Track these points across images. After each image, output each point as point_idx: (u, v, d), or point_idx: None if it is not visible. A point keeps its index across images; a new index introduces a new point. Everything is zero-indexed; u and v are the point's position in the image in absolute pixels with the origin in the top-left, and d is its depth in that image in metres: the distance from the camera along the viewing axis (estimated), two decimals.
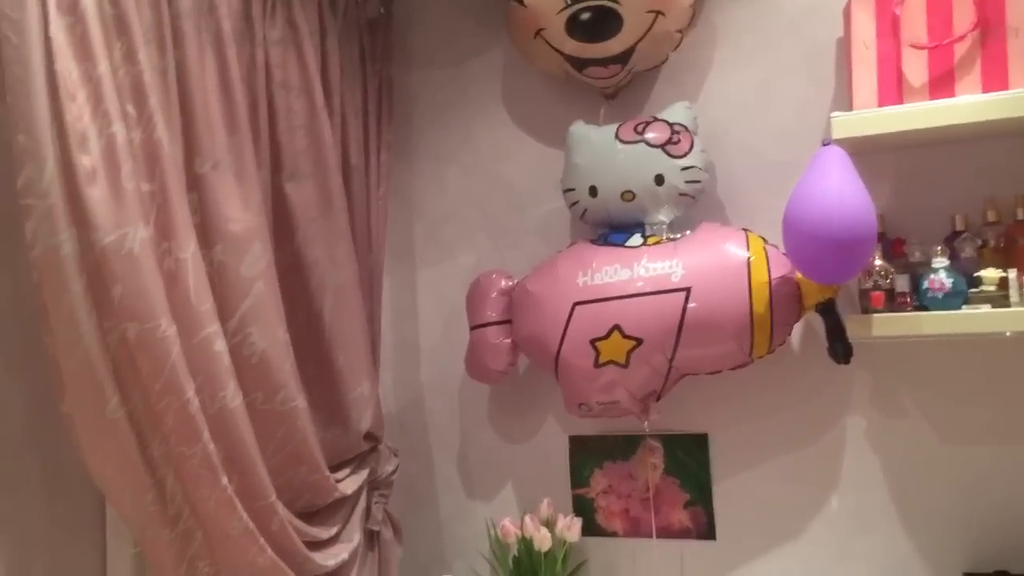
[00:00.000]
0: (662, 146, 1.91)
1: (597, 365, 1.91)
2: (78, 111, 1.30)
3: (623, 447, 2.13)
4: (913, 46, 1.71)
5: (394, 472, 2.06)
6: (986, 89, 1.67)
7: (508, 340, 2.06)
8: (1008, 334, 1.72)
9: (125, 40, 1.39)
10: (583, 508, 2.14)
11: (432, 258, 2.34)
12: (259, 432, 1.59)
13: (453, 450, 2.31)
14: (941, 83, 1.70)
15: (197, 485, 1.46)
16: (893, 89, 1.73)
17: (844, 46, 1.86)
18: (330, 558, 1.78)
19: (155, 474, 1.46)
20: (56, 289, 1.32)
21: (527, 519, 2.05)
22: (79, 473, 1.48)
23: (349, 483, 1.88)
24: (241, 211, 1.60)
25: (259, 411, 1.62)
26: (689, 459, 2.07)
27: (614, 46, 1.95)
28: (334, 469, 1.85)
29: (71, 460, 1.47)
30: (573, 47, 1.97)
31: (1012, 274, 1.65)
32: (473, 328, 2.10)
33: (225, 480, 1.48)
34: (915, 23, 1.72)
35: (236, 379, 1.52)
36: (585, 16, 1.92)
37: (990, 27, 1.67)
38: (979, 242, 1.75)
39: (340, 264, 1.88)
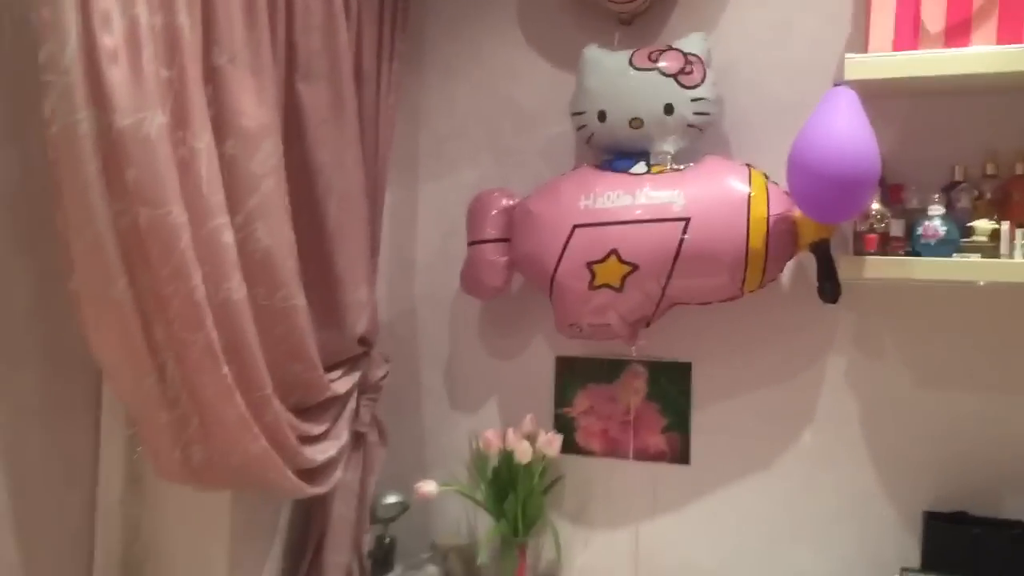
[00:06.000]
0: (675, 75, 1.92)
1: (592, 288, 1.94)
2: None
3: (608, 370, 2.18)
4: None
5: (384, 377, 2.10)
6: (1001, 41, 1.68)
7: (505, 258, 2.08)
8: (981, 283, 1.76)
9: None
10: (564, 426, 2.20)
11: (435, 172, 2.35)
12: (259, 327, 1.61)
13: (441, 362, 2.35)
14: (957, 31, 1.71)
15: (197, 371, 1.48)
16: (910, 34, 1.74)
17: None
18: (319, 453, 1.82)
19: (156, 358, 1.48)
20: (71, 168, 1.32)
21: (510, 432, 2.11)
22: (79, 352, 1.50)
23: (341, 384, 1.92)
24: (255, 107, 1.59)
25: (260, 306, 1.64)
26: (671, 386, 2.12)
27: None
28: (328, 369, 1.88)
29: (73, 338, 1.50)
30: None
31: (1004, 226, 1.69)
32: (471, 244, 2.13)
33: (225, 369, 1.50)
34: None
35: (241, 272, 1.55)
36: None
37: None
38: (975, 193, 1.78)
39: (347, 169, 1.88)
